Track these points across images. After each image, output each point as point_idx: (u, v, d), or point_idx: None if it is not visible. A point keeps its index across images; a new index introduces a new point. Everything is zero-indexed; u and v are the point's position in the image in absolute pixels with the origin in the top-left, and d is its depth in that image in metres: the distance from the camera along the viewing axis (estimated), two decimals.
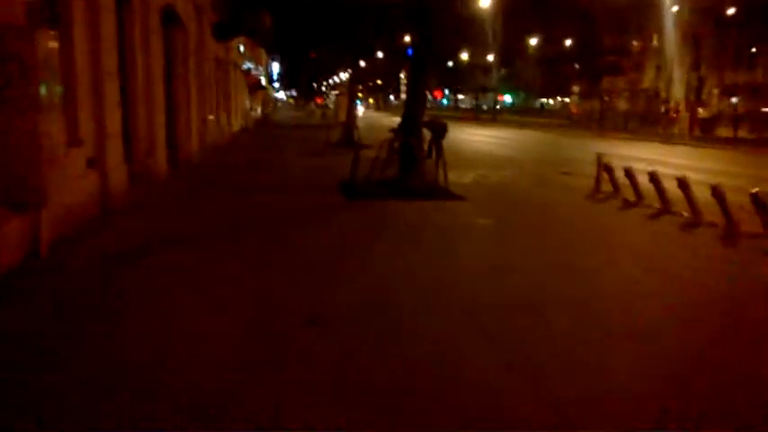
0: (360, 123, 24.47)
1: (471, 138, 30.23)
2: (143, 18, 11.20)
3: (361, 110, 66.85)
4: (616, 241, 7.97)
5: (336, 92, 59.38)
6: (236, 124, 30.32)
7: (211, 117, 21.14)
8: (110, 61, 8.91)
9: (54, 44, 6.79)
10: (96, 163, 8.50)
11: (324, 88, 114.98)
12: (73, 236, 7.17)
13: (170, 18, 14.16)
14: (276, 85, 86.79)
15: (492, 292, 5.59)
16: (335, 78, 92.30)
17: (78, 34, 7.97)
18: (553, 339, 4.48)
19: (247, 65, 37.95)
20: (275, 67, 79.09)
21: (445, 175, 11.68)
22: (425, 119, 12.50)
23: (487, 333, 4.60)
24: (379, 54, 73.77)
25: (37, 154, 5.80)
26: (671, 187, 9.74)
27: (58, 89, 7.22)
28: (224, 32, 23.11)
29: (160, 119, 12.13)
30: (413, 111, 12.36)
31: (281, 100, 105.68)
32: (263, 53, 53.09)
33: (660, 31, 46.69)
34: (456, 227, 8.50)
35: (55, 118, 6.48)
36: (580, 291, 5.71)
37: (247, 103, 40.13)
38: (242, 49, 33.25)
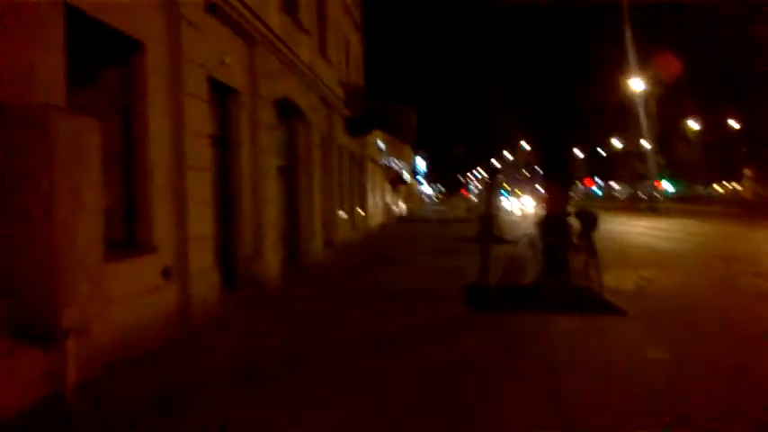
0: (511, 216, 22.46)
1: (630, 230, 26.99)
2: (252, 110, 10.35)
3: (529, 202, 63.02)
4: None
5: (479, 185, 57.91)
6: (373, 221, 29.53)
7: (343, 214, 20.28)
8: (197, 154, 7.87)
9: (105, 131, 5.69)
10: (173, 273, 7.30)
11: (470, 181, 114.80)
12: (124, 368, 5.88)
13: (289, 110, 13.45)
14: (421, 179, 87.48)
15: None
16: (481, 172, 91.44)
17: (154, 122, 6.99)
18: None
19: (387, 160, 37.75)
20: (420, 162, 79.84)
21: (599, 279, 9.38)
22: (573, 209, 10.38)
23: None
24: (524, 145, 72.05)
25: (52, 275, 4.54)
26: None
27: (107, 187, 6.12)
28: (358, 127, 22.64)
29: (270, 217, 11.04)
30: (555, 202, 10.27)
31: (426, 194, 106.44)
32: (406, 148, 53.41)
33: None
34: (615, 365, 6.06)
35: (98, 223, 5.28)
36: None
37: (388, 199, 39.67)
38: (381, 144, 33.03)
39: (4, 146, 4.47)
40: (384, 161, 35.89)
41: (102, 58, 6.69)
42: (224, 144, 9.78)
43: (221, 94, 9.61)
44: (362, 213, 25.43)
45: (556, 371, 5.86)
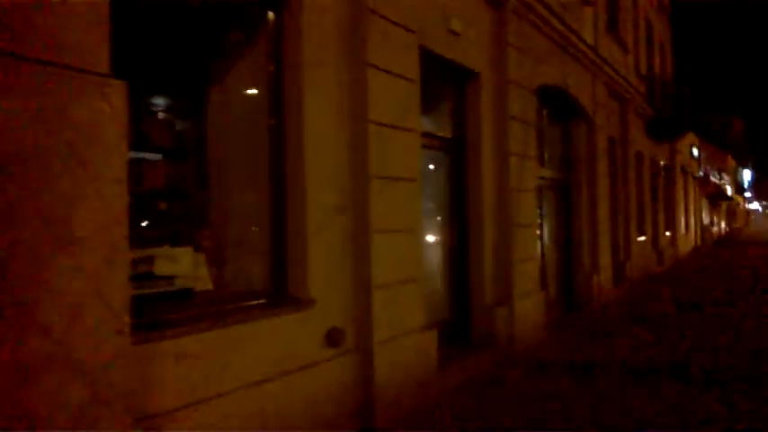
0: None
1: None
2: (499, 100, 7.46)
3: None
4: None
5: None
6: (685, 244, 24.10)
7: (642, 238, 16.07)
8: (392, 159, 5.26)
9: None
10: (343, 338, 4.76)
11: None
12: None
13: (561, 103, 10.21)
14: (747, 194, 74.51)
15: None
16: None
17: (312, 111, 4.55)
18: None
19: (704, 171, 31.31)
20: (746, 175, 67.96)
21: None
22: None
23: None
24: None
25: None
26: None
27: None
28: (665, 130, 18.13)
29: (526, 248, 7.97)
30: None
31: (754, 212, 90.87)
32: (728, 158, 44.99)
33: None
34: None
35: (113, 261, 2.99)
36: None
37: (704, 217, 33.00)
38: (695, 152, 27.23)
39: None
40: (700, 173, 29.72)
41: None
42: (453, 147, 7.07)
43: (448, 75, 6.94)
44: (669, 236, 20.55)
45: None
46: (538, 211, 8.80)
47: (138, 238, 4.02)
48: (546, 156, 9.77)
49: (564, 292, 10.56)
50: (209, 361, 3.69)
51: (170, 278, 3.76)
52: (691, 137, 24.59)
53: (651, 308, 10.80)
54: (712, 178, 34.33)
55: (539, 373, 6.61)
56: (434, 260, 6.78)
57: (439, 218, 6.99)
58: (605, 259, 11.83)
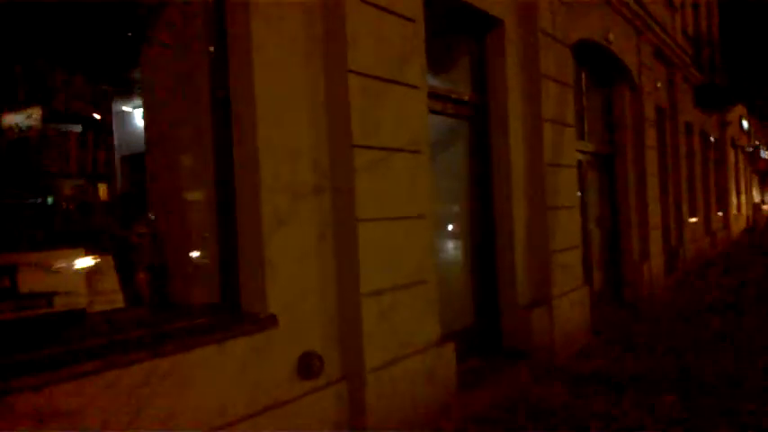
0: None
1: None
2: (528, 54, 6.09)
3: None
4: None
5: None
6: (737, 225, 22.26)
7: (694, 219, 14.48)
8: (379, 126, 3.97)
9: None
10: (321, 366, 3.51)
11: None
12: None
13: (602, 63, 8.76)
14: None
15: None
16: None
17: (263, 68, 3.29)
18: None
19: (754, 146, 29.19)
20: None
21: None
22: None
23: None
24: None
25: None
26: None
27: None
28: (714, 99, 16.37)
29: (567, 235, 6.60)
30: None
31: None
32: None
33: None
34: None
35: None
36: None
37: (756, 196, 30.89)
38: (746, 125, 25.24)
39: None
40: (749, 148, 27.66)
41: None
42: (473, 112, 5.74)
43: (463, 22, 5.61)
44: (721, 217, 18.82)
45: None
46: (578, 190, 7.42)
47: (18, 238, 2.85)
48: (586, 126, 8.37)
49: (611, 284, 9.15)
50: (100, 417, 2.49)
51: (48, 296, 2.56)
52: (739, 108, 22.64)
53: (716, 302, 9.29)
54: (762, 154, 32.11)
55: (589, 391, 5.27)
56: (452, 254, 5.49)
57: (457, 200, 5.69)
58: (656, 245, 10.34)
